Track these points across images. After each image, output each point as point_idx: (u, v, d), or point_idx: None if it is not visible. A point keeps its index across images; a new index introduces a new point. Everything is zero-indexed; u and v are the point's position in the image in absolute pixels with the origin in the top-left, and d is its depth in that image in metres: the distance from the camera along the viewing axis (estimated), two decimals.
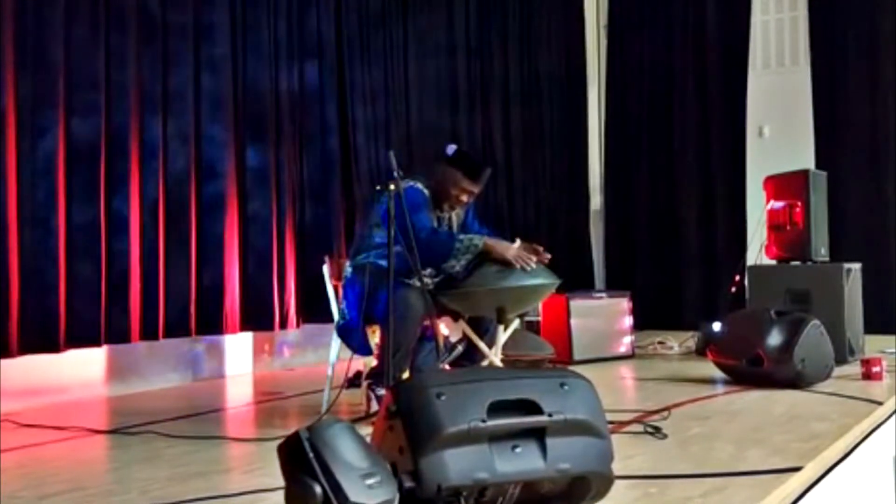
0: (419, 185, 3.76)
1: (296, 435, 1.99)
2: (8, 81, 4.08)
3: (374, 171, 6.07)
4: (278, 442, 2.06)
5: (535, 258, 3.63)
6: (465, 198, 3.80)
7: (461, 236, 3.68)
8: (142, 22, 4.74)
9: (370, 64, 6.24)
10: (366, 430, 2.42)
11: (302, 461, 1.94)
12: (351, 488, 1.92)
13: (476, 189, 3.81)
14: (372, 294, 3.60)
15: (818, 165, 7.00)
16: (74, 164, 4.38)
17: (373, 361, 3.78)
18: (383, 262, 3.54)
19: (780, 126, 7.82)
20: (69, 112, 4.37)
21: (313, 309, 5.51)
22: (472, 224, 3.96)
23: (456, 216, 3.93)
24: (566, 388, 2.14)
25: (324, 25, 5.91)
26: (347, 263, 3.88)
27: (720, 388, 4.50)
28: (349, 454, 1.98)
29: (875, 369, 4.59)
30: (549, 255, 3.70)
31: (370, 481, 1.95)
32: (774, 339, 4.41)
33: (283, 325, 5.51)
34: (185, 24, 4.99)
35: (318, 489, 1.91)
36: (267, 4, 5.51)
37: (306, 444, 1.96)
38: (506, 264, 3.59)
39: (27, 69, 4.19)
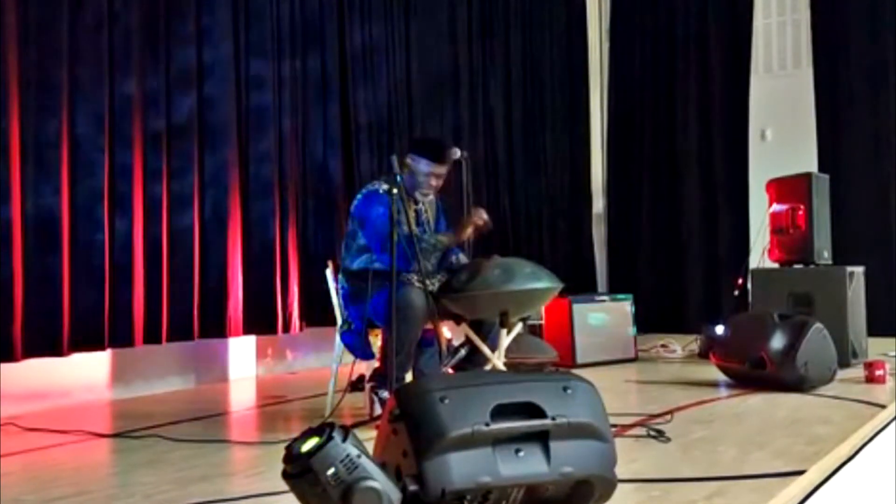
0: (378, 189, 3.73)
1: (330, 439, 1.95)
2: (10, 79, 4.10)
3: (376, 172, 6.06)
4: (282, 445, 2.05)
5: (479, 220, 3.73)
6: (433, 181, 3.79)
7: (425, 237, 3.71)
8: None
9: (372, 62, 6.24)
10: (369, 434, 2.43)
11: (349, 464, 1.93)
12: (393, 483, 1.96)
13: (442, 170, 3.79)
14: (374, 296, 3.60)
15: (821, 168, 7.01)
16: (78, 171, 4.38)
17: (375, 364, 3.78)
18: (376, 265, 3.57)
19: (782, 129, 7.82)
20: (74, 119, 4.38)
21: (316, 312, 5.51)
22: (440, 223, 3.98)
23: (430, 205, 3.93)
24: (569, 391, 2.14)
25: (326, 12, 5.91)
26: (339, 274, 3.89)
27: (723, 392, 4.50)
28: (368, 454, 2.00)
29: (878, 372, 4.58)
30: (485, 216, 3.75)
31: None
32: (777, 342, 4.41)
33: (286, 328, 5.51)
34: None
35: (379, 486, 1.92)
36: None
37: (353, 448, 1.95)
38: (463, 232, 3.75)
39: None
